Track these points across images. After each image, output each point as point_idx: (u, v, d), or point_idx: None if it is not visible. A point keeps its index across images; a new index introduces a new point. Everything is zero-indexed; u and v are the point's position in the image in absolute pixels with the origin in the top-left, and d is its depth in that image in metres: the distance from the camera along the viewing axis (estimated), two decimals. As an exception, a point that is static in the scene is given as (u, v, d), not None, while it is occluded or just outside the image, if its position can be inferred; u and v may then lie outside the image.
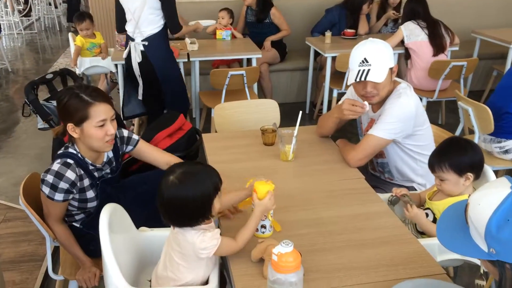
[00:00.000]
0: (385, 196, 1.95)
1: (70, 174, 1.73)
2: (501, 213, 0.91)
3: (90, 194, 1.84)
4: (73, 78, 3.10)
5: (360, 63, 1.94)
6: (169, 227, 1.47)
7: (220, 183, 1.42)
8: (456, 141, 1.77)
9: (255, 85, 4.12)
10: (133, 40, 3.35)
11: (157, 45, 3.33)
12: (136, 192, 2.04)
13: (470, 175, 1.69)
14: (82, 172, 1.79)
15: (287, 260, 1.20)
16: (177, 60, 3.68)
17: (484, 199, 0.96)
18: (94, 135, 1.73)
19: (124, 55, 3.47)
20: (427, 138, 2.14)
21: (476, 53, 4.68)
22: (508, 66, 4.32)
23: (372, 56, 1.94)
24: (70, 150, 1.79)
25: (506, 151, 2.78)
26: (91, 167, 1.84)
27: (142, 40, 3.30)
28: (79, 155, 1.79)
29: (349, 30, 4.46)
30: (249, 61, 4.31)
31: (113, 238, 1.48)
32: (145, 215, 1.80)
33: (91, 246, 1.86)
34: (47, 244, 1.87)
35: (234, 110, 2.74)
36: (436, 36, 3.89)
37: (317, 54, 4.58)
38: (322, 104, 4.45)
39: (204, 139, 2.34)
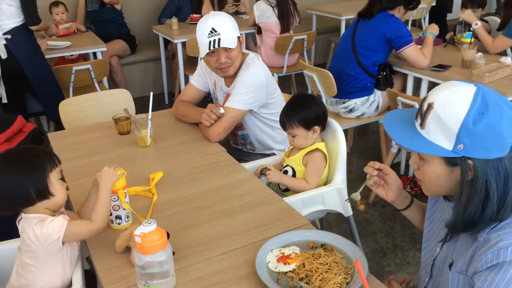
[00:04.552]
0: (249, 165, 1.98)
1: None
2: (477, 107, 0.96)
3: None
4: None
5: (209, 34, 1.94)
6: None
7: (57, 160, 1.31)
8: (301, 97, 1.90)
9: (106, 81, 3.90)
10: None
11: (22, 39, 3.10)
12: None
13: (317, 128, 1.83)
14: None
15: (152, 239, 1.13)
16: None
17: (455, 96, 0.98)
18: None
19: None
20: (280, 105, 2.22)
21: (314, 28, 5.03)
22: (343, 37, 4.72)
23: (219, 25, 1.95)
24: None
25: (351, 110, 3.04)
26: None
27: (3, 34, 3.01)
28: None
29: (195, 15, 4.45)
30: (95, 55, 4.05)
31: None
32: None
33: None
34: None
35: (82, 104, 2.53)
36: (285, 15, 4.06)
37: (167, 42, 4.49)
38: (180, 93, 4.38)
39: (51, 138, 2.13)
